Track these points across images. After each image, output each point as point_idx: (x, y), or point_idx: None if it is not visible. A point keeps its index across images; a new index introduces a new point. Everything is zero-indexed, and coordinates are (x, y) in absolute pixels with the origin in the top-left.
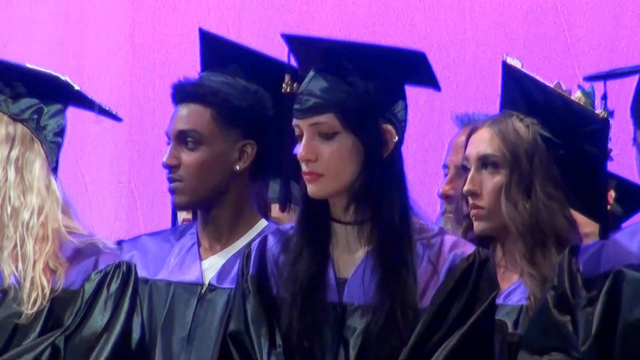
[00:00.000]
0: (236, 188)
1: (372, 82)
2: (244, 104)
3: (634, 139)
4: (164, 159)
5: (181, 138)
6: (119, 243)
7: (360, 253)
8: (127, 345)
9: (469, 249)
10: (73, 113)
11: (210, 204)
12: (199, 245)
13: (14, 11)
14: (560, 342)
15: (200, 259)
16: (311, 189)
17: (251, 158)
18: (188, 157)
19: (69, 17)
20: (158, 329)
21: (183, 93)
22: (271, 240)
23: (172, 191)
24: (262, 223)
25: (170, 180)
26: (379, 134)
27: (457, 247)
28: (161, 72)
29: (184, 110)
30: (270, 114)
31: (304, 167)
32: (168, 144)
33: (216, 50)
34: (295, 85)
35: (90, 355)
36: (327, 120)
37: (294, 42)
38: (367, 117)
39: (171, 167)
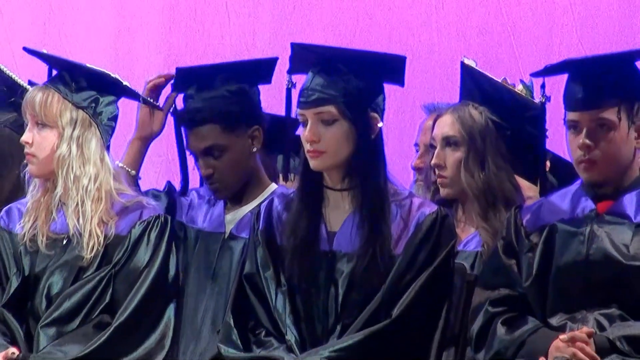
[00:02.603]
0: (254, 162)
1: (362, 79)
2: (238, 106)
3: (564, 120)
4: (203, 173)
5: (208, 152)
6: (169, 183)
7: (346, 212)
8: (164, 279)
9: (433, 207)
10: (125, 104)
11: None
12: (225, 202)
13: (78, 21)
14: (507, 280)
15: (224, 214)
16: (314, 163)
17: (261, 138)
18: (219, 164)
19: (121, 30)
20: (190, 267)
21: (192, 121)
22: (276, 202)
23: (214, 191)
24: (273, 186)
25: (210, 184)
26: (368, 121)
27: (423, 207)
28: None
29: (200, 131)
30: (258, 99)
31: (308, 147)
32: (193, 156)
33: (196, 76)
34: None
35: (134, 286)
36: (329, 110)
37: (300, 48)
38: (360, 107)
39: (209, 176)
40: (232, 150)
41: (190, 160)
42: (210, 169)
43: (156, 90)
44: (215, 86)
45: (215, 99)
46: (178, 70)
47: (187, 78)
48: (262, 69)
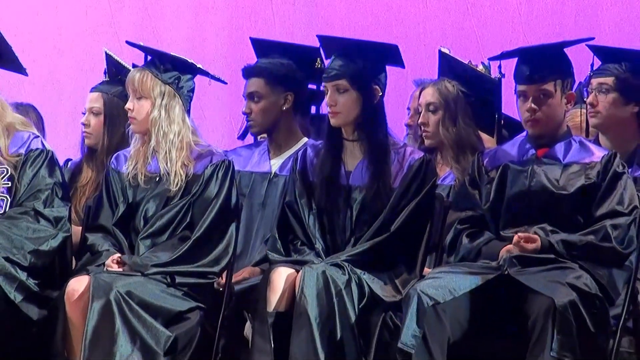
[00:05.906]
0: (287, 120)
1: (368, 61)
2: (280, 72)
3: (515, 90)
4: (243, 109)
5: (251, 97)
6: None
7: (359, 157)
8: (228, 205)
9: (420, 154)
10: (199, 79)
11: (271, 130)
12: (269, 151)
13: (161, 12)
14: (472, 205)
15: (270, 159)
16: (332, 121)
17: (291, 102)
18: (256, 107)
19: (197, 18)
20: (244, 199)
21: (249, 72)
22: (309, 150)
23: (249, 126)
24: (305, 139)
25: (247, 120)
26: (371, 91)
27: (413, 153)
28: (248, 53)
29: (251, 81)
30: (299, 76)
31: (328, 109)
32: (245, 99)
33: (263, 46)
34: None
35: (207, 210)
36: (342, 82)
37: (324, 39)
38: (364, 81)
39: (248, 114)
40: (267, 99)
41: None
42: (249, 109)
43: None
44: (273, 56)
45: (271, 64)
46: (253, 40)
47: (261, 47)
48: (308, 55)
